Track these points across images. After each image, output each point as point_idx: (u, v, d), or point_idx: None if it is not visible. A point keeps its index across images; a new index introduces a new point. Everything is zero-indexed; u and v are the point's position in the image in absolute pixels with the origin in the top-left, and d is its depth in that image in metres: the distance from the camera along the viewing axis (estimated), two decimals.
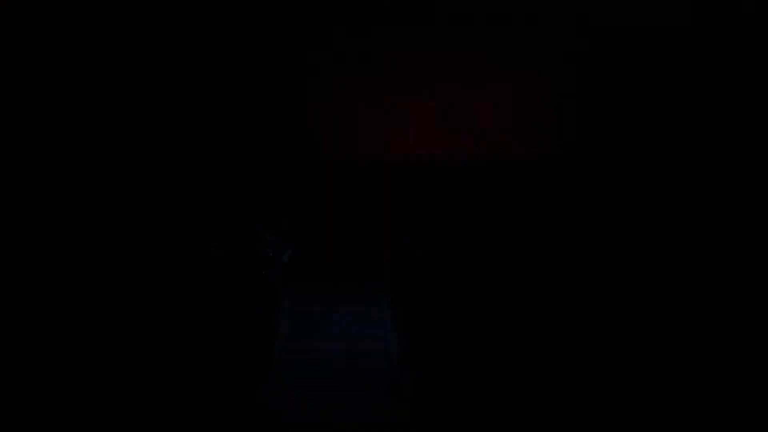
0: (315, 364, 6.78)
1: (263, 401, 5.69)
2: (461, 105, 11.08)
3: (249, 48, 10.59)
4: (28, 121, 9.69)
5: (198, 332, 5.43)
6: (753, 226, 7.59)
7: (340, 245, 10.06)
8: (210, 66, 10.53)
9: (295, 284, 9.41)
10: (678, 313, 5.32)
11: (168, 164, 10.19)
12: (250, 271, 6.67)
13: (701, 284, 5.70)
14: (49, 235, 7.82)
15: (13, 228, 7.98)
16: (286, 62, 10.66)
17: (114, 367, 5.09)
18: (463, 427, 4.74)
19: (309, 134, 10.96)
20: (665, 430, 4.39)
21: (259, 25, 10.58)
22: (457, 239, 7.63)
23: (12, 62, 9.40)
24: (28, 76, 9.60)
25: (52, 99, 9.82)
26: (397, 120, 11.10)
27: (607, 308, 5.46)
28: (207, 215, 7.91)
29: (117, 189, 9.80)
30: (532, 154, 10.92)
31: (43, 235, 7.97)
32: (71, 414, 4.69)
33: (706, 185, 8.84)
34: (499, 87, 11.10)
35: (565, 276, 5.87)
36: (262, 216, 8.11)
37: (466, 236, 7.61)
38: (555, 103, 10.96)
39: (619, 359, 5.17)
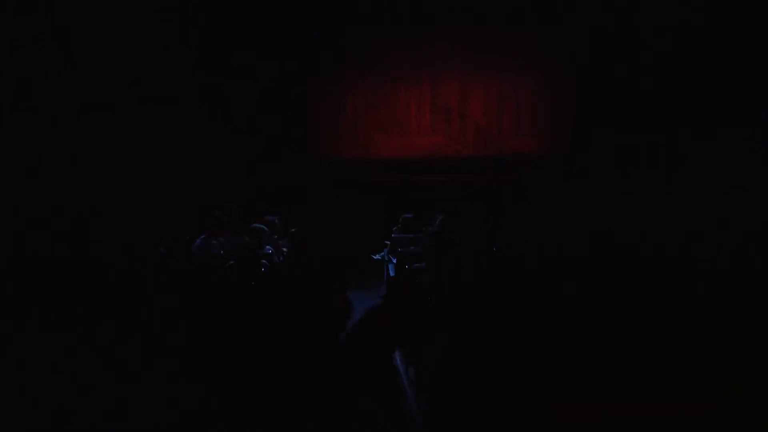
0: None
1: None
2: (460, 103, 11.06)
3: (248, 47, 10.56)
4: None
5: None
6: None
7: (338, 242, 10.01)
8: (209, 65, 10.50)
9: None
10: None
11: (167, 163, 10.16)
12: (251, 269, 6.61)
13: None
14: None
15: None
16: (285, 63, 10.63)
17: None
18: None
19: (308, 135, 10.91)
20: None
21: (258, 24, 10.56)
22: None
23: None
24: None
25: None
26: (394, 118, 11.05)
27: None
28: (204, 213, 7.86)
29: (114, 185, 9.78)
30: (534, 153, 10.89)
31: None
32: None
33: None
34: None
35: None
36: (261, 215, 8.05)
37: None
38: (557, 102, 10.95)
39: None
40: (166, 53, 10.29)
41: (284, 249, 7.56)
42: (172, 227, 7.72)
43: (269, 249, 7.48)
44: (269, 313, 5.64)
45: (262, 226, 7.47)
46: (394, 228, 8.33)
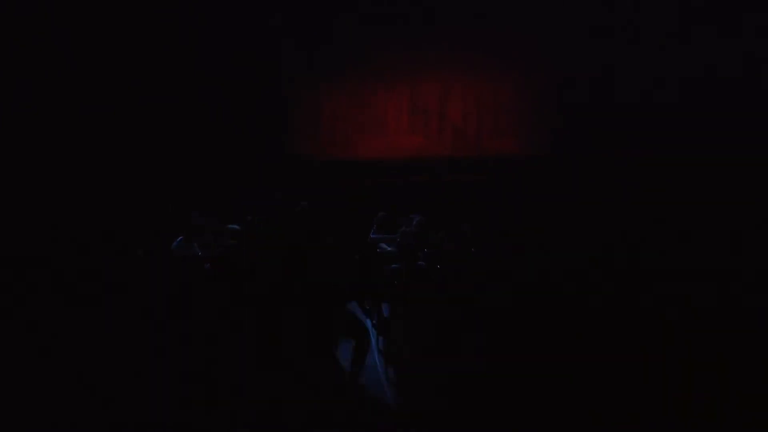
0: None
1: None
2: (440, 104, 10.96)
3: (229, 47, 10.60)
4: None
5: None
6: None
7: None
8: (190, 65, 10.56)
9: None
10: None
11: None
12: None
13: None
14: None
15: None
16: (265, 63, 10.63)
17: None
18: None
19: (289, 136, 10.89)
20: None
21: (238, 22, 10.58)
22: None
23: None
24: None
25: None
26: (372, 119, 10.97)
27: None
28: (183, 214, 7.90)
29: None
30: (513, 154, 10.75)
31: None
32: None
33: None
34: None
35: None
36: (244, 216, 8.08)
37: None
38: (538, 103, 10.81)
39: None
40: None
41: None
42: (155, 228, 7.78)
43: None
44: (246, 311, 5.70)
45: (237, 227, 7.50)
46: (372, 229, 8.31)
